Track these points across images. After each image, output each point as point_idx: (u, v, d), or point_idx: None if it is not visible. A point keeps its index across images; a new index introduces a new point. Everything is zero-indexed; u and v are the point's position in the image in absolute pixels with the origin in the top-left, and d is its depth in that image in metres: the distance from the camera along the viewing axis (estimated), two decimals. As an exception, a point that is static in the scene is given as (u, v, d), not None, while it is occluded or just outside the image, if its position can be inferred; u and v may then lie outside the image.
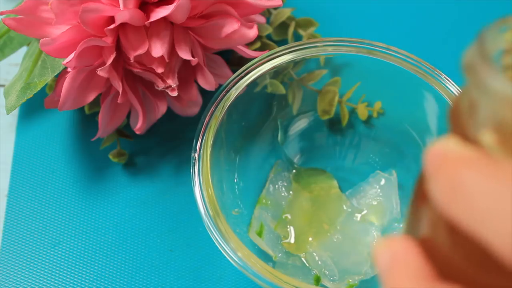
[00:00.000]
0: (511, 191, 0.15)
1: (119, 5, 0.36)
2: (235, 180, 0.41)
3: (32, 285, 0.40)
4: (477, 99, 0.18)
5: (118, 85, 0.38)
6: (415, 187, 0.21)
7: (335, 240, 0.40)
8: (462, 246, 0.18)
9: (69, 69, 0.38)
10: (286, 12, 0.48)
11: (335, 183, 0.43)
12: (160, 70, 0.38)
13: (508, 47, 0.18)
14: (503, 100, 0.17)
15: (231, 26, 0.38)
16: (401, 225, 0.40)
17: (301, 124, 0.44)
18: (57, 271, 0.41)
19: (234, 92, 0.39)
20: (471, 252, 0.17)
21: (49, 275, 0.41)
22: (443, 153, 0.17)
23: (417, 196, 0.20)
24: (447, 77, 0.39)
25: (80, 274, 0.41)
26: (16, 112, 0.47)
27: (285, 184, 0.42)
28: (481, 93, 0.17)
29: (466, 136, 0.18)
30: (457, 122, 0.19)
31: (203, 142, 0.37)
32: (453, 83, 0.39)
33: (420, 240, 0.19)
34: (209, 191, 0.36)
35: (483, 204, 0.16)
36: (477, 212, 0.16)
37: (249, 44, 0.45)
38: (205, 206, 0.35)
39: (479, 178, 0.16)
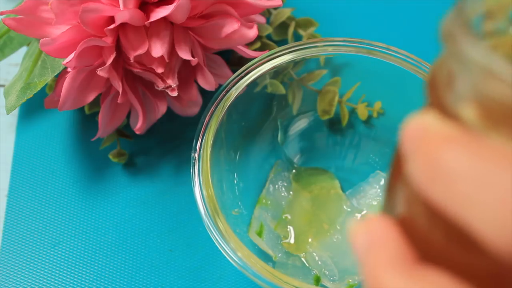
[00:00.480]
0: (494, 173, 0.14)
1: (119, 5, 0.36)
2: (235, 180, 0.41)
3: (32, 285, 0.40)
4: (456, 70, 0.16)
5: (118, 85, 0.38)
6: (392, 163, 0.19)
7: (335, 240, 0.40)
8: (442, 227, 0.17)
9: (69, 69, 0.38)
10: (286, 12, 0.48)
11: (337, 183, 0.43)
12: (160, 70, 0.38)
13: (489, 10, 0.17)
14: (484, 72, 0.15)
15: (231, 26, 0.38)
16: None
17: (301, 124, 0.44)
18: (57, 271, 0.41)
19: (234, 92, 0.39)
20: (451, 233, 0.16)
21: (49, 275, 0.41)
22: (421, 129, 0.16)
23: (394, 172, 0.19)
24: (447, 77, 0.39)
25: (80, 274, 0.41)
26: (16, 112, 0.47)
27: (285, 184, 0.42)
28: (460, 64, 0.16)
29: (445, 110, 0.17)
30: (435, 95, 0.17)
31: (203, 142, 0.37)
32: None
33: (398, 219, 0.18)
34: (209, 191, 0.36)
35: (465, 187, 0.15)
36: (458, 196, 0.15)
37: (249, 44, 0.45)
38: (205, 206, 0.35)
39: (461, 159, 0.15)
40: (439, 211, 0.16)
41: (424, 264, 0.17)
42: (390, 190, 0.19)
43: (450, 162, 0.15)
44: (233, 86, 0.39)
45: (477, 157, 0.15)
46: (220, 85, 0.41)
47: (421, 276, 0.17)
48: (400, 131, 0.17)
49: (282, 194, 0.42)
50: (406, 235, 0.18)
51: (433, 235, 0.17)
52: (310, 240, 0.40)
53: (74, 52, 0.36)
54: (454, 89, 0.16)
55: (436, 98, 0.17)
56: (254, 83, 0.40)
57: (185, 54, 0.38)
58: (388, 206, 0.19)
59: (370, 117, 0.44)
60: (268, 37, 0.48)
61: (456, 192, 0.15)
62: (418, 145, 0.16)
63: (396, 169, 0.19)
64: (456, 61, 0.16)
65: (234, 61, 0.47)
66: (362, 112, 0.43)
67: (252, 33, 0.39)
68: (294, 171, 0.43)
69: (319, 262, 0.39)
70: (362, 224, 0.18)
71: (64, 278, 0.41)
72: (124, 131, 0.45)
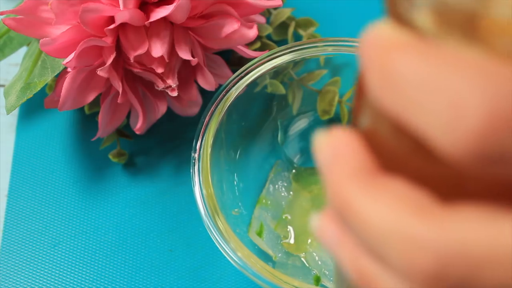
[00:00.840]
0: (442, 77, 0.14)
1: (119, 5, 0.36)
2: (235, 180, 0.41)
3: (32, 285, 0.40)
4: None
5: (118, 85, 0.38)
6: (357, 81, 0.19)
7: (335, 240, 0.40)
8: (401, 136, 0.16)
9: (69, 69, 0.38)
10: (286, 12, 0.48)
11: None
12: (160, 70, 0.38)
13: None
14: None
15: (231, 26, 0.38)
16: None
17: (301, 124, 0.44)
18: (57, 271, 0.41)
19: (234, 92, 0.39)
20: (409, 142, 0.16)
21: (49, 275, 0.41)
22: (376, 39, 0.16)
23: (359, 87, 0.19)
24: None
25: (80, 274, 0.41)
26: (16, 112, 0.47)
27: (285, 184, 0.42)
28: None
29: (401, 19, 0.16)
30: (393, 4, 0.17)
31: (203, 142, 0.37)
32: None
33: (363, 132, 0.18)
34: (209, 191, 0.36)
35: (415, 93, 0.14)
36: (409, 102, 0.15)
37: (249, 44, 0.45)
38: (205, 206, 0.35)
39: (412, 65, 0.15)
40: (395, 119, 0.16)
41: (387, 174, 0.17)
42: (355, 104, 0.19)
43: (401, 68, 0.15)
44: (233, 86, 0.39)
45: (427, 62, 0.14)
46: (220, 85, 0.41)
47: (381, 185, 0.16)
48: (358, 44, 0.17)
49: (282, 194, 0.42)
50: (369, 147, 0.17)
51: (394, 145, 0.17)
52: (310, 240, 0.40)
53: (74, 52, 0.36)
54: None
55: (392, 8, 0.17)
56: (254, 83, 0.40)
57: (185, 54, 0.38)
58: (353, 120, 0.19)
59: (370, 117, 0.44)
60: (268, 37, 0.48)
61: (408, 99, 0.15)
62: (373, 54, 0.16)
63: (360, 83, 0.19)
64: None
65: (234, 61, 0.47)
66: (362, 112, 0.43)
67: (252, 33, 0.39)
68: (294, 171, 0.43)
69: (319, 262, 0.39)
70: (326, 136, 0.18)
71: (64, 278, 0.41)
72: (124, 131, 0.45)
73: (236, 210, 0.39)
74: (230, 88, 0.39)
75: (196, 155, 0.37)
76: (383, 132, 0.17)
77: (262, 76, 0.40)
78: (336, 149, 0.17)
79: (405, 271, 0.15)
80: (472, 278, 0.14)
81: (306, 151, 0.44)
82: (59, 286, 0.40)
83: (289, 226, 0.41)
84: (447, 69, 0.14)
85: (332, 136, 0.18)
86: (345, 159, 0.17)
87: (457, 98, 0.14)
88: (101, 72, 0.37)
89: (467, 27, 0.15)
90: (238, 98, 0.39)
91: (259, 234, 0.40)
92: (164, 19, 0.37)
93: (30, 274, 0.41)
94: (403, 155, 0.17)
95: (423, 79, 0.14)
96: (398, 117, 0.15)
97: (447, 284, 0.15)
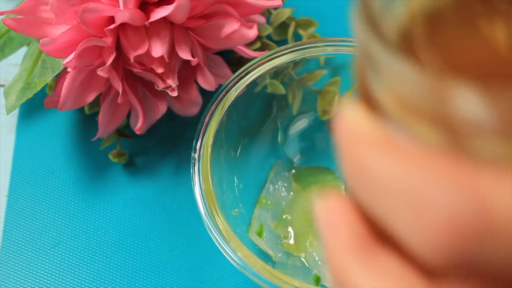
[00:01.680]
0: (413, 182, 0.15)
1: (119, 5, 0.36)
2: (235, 180, 0.41)
3: (32, 285, 0.40)
4: (366, 64, 0.16)
5: (118, 85, 0.38)
6: None
7: (335, 240, 0.40)
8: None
9: (69, 69, 0.38)
10: (286, 12, 0.48)
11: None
12: (160, 70, 0.38)
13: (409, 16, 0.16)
14: (389, 72, 0.15)
15: (231, 26, 0.38)
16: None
17: (301, 124, 0.44)
18: (57, 271, 0.41)
19: (234, 92, 0.39)
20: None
21: (49, 275, 0.41)
22: (349, 129, 0.16)
23: None
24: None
25: (80, 274, 0.41)
26: (16, 112, 0.47)
27: (285, 184, 0.42)
28: (367, 59, 0.15)
29: (368, 97, 0.16)
30: (361, 80, 0.17)
31: (203, 142, 0.37)
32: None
33: (355, 199, 0.18)
34: (209, 191, 0.36)
35: (385, 194, 0.15)
36: (379, 201, 0.15)
37: (249, 44, 0.45)
38: (205, 206, 0.35)
39: (381, 163, 0.15)
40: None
41: (380, 245, 0.17)
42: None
43: (371, 166, 0.15)
44: (233, 86, 0.39)
45: (398, 163, 0.15)
46: (220, 85, 0.41)
47: (375, 259, 0.17)
48: (332, 125, 0.17)
49: (282, 194, 0.42)
50: (363, 215, 0.18)
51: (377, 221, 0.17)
52: (310, 240, 0.40)
53: (74, 52, 0.36)
54: (373, 80, 0.16)
55: (361, 84, 0.17)
56: (254, 83, 0.40)
57: (185, 54, 0.38)
58: (347, 187, 0.19)
59: (370, 117, 0.44)
60: (268, 37, 0.48)
61: (377, 198, 0.15)
62: (346, 146, 0.16)
63: None
64: (364, 56, 0.16)
65: (234, 61, 0.47)
66: (362, 112, 0.43)
67: (252, 33, 0.39)
68: (294, 171, 0.43)
69: (319, 262, 0.39)
70: (323, 203, 0.18)
71: (64, 278, 0.41)
72: (124, 131, 0.45)
73: (236, 210, 0.39)
74: (230, 88, 0.39)
75: (196, 155, 0.37)
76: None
77: (262, 76, 0.40)
78: (331, 218, 0.18)
79: None
80: None
81: (306, 151, 0.44)
82: (59, 286, 0.40)
83: (289, 226, 0.41)
84: (417, 174, 0.15)
85: (328, 204, 0.18)
86: (340, 229, 0.18)
87: (424, 206, 0.14)
88: (101, 72, 0.37)
89: (432, 119, 0.14)
90: (238, 98, 0.39)
91: (259, 234, 0.40)
92: (164, 19, 0.37)
93: (30, 274, 0.41)
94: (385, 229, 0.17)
95: (392, 182, 0.15)
96: (369, 208, 0.16)
97: None
